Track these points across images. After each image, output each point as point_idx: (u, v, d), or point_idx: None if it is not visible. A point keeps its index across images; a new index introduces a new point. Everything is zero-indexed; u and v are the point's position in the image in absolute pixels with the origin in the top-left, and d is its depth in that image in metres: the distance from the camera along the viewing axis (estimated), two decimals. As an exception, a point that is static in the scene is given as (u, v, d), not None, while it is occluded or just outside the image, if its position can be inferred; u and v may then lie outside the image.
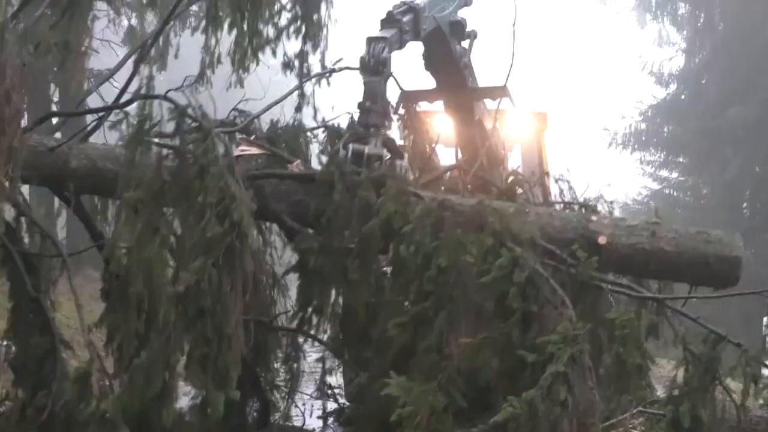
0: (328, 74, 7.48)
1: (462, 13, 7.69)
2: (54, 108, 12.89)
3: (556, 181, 7.11)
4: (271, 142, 6.48)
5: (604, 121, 22.32)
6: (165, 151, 5.26)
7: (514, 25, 7.41)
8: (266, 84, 8.38)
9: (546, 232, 5.32)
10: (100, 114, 6.30)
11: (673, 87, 21.62)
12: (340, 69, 7.23)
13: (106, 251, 5.25)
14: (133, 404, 4.60)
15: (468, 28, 7.77)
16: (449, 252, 4.87)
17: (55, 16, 7.23)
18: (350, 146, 5.95)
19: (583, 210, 6.54)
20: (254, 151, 6.18)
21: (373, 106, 6.14)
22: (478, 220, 5.06)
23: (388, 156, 6.00)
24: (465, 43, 7.83)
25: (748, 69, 19.13)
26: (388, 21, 6.44)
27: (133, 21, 12.36)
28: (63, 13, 7.16)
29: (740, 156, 19.69)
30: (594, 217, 5.98)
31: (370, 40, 6.24)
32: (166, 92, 5.51)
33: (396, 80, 6.96)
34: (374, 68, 6.13)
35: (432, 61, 7.38)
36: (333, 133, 6.63)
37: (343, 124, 6.87)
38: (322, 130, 6.91)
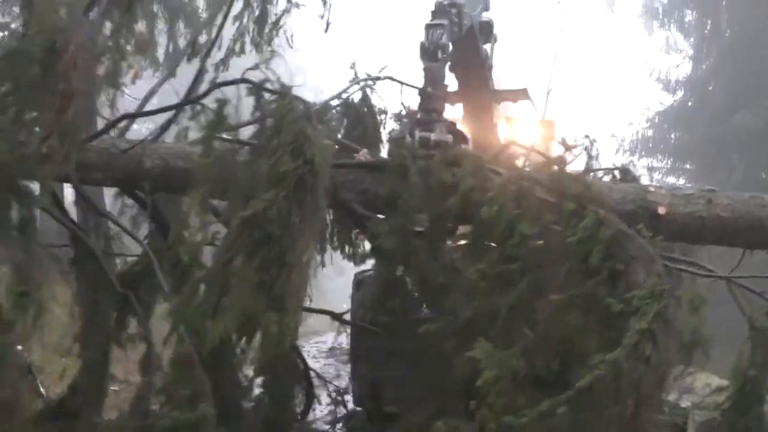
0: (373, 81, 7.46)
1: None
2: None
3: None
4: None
5: (612, 128, 22.42)
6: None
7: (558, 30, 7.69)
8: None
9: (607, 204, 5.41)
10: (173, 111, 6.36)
11: (680, 94, 21.77)
12: (385, 78, 7.28)
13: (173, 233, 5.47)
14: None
15: None
16: (532, 218, 5.04)
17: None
18: (416, 133, 6.09)
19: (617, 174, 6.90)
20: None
21: (435, 91, 6.28)
22: (558, 187, 5.21)
23: (452, 140, 6.18)
24: (487, 46, 8.00)
25: (754, 75, 19.27)
26: (439, 11, 6.59)
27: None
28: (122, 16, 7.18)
29: (745, 161, 19.81)
30: (651, 188, 6.18)
31: (428, 27, 6.38)
32: (242, 74, 5.67)
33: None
34: (434, 54, 6.26)
35: (459, 61, 7.45)
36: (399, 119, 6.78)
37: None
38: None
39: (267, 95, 5.51)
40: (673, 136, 21.69)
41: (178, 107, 6.19)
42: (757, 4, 19.15)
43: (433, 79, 6.30)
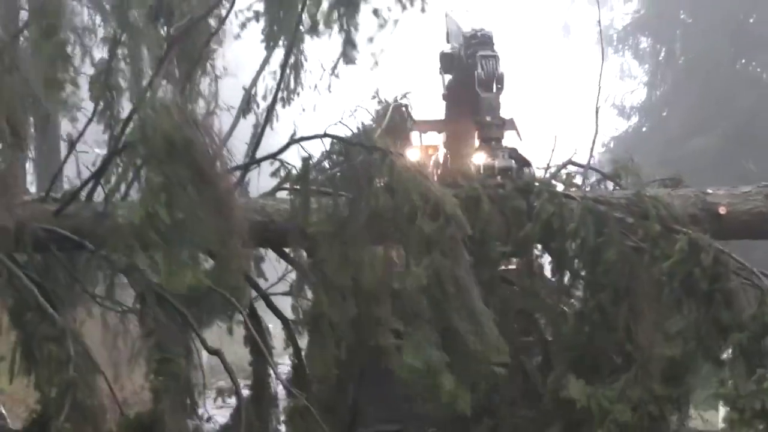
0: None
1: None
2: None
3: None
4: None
5: (568, 153, 22.62)
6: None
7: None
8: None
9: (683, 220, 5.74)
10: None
11: (635, 119, 22.17)
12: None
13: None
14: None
15: None
16: (616, 244, 5.19)
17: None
18: (480, 162, 6.26)
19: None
20: None
21: (493, 120, 6.48)
22: (639, 210, 5.43)
23: (516, 165, 6.33)
24: None
25: (708, 101, 19.70)
26: (483, 42, 6.83)
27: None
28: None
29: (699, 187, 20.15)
30: (710, 190, 6.40)
31: (481, 57, 6.59)
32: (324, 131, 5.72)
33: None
34: (490, 84, 6.51)
35: (459, 91, 7.68)
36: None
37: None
38: None
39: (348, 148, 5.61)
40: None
41: (254, 163, 6.25)
42: (710, 32, 19.62)
43: (491, 108, 6.52)
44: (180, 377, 5.04)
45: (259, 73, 7.65)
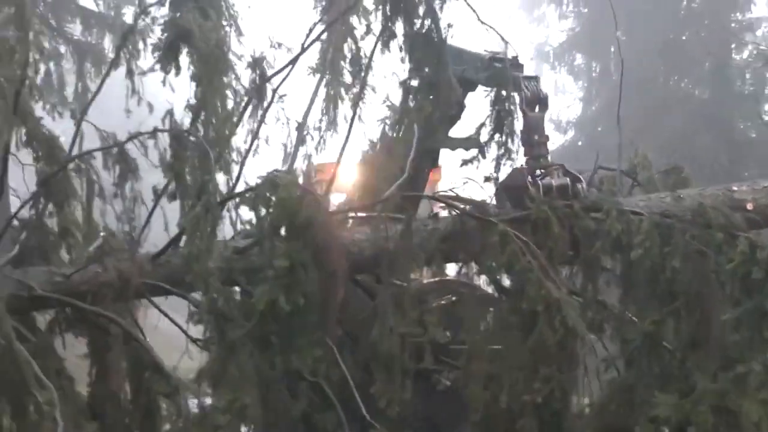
0: None
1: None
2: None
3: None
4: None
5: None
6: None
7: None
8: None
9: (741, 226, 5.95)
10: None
11: (570, 134, 22.72)
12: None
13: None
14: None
15: None
16: (684, 254, 5.51)
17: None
18: (540, 181, 6.26)
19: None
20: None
21: (541, 139, 6.59)
22: (702, 220, 5.72)
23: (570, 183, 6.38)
24: None
25: (641, 117, 20.24)
26: (517, 65, 6.93)
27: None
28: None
29: (636, 201, 20.74)
30: (734, 187, 6.57)
31: (524, 79, 6.73)
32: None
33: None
34: (535, 104, 6.63)
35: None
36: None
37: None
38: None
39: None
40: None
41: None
42: (643, 50, 20.19)
43: (538, 127, 6.64)
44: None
45: (310, 105, 7.61)
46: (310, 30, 7.09)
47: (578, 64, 22.93)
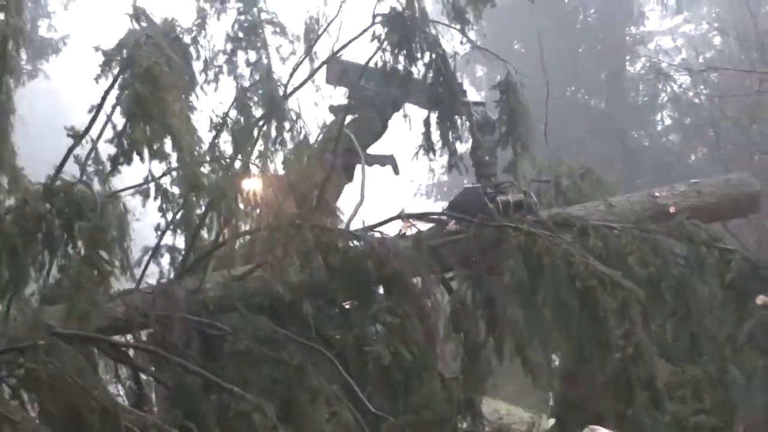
0: None
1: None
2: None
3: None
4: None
5: (410, 175, 23.46)
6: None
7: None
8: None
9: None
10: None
11: None
12: None
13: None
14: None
15: None
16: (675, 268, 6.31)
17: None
18: (498, 198, 6.75)
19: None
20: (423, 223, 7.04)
21: (491, 160, 7.50)
22: (682, 234, 6.54)
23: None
24: None
25: (539, 127, 20.83)
26: (460, 91, 7.97)
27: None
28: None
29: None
30: (656, 192, 7.29)
31: (474, 104, 7.77)
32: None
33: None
34: (487, 128, 7.66)
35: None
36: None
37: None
38: None
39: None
40: (466, 181, 22.78)
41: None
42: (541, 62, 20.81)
43: (489, 149, 7.60)
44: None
45: None
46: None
47: (479, 76, 23.46)
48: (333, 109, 8.77)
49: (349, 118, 8.37)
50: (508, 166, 8.08)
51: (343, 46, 8.26)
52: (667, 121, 23.94)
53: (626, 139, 22.39)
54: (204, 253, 7.21)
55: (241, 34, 8.75)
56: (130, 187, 7.02)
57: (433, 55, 7.80)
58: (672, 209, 6.90)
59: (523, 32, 21.67)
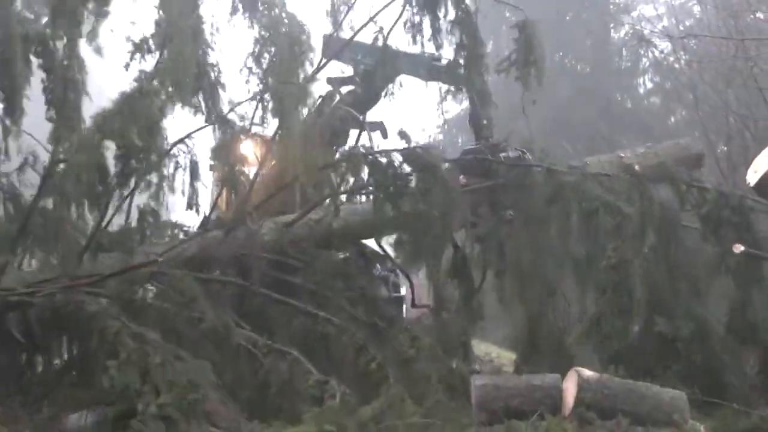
0: None
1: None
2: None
3: None
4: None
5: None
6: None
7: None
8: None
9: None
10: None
11: (466, 104, 23.82)
12: None
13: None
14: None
15: None
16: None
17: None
18: (502, 155, 7.96)
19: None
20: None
21: (490, 124, 8.69)
22: (665, 175, 7.54)
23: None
24: None
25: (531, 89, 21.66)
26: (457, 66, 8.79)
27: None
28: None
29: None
30: (621, 154, 8.63)
31: None
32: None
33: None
34: (487, 96, 8.84)
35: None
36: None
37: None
38: None
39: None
40: (459, 139, 24.00)
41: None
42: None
43: (488, 114, 8.83)
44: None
45: None
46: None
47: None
48: (330, 80, 9.69)
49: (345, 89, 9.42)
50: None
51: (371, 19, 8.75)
52: (649, 85, 24.68)
53: (610, 101, 23.16)
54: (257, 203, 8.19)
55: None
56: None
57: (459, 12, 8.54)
58: (637, 167, 7.92)
59: (514, 1, 22.35)
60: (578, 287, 7.46)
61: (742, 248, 6.96)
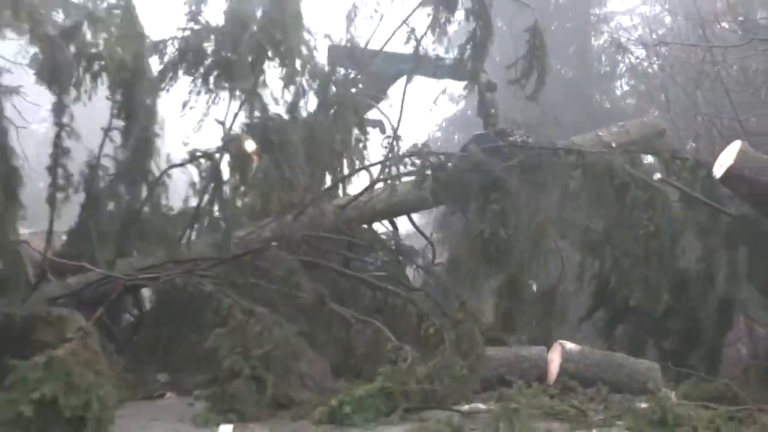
0: None
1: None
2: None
3: None
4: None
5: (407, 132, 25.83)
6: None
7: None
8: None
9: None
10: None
11: (462, 104, 25.77)
12: None
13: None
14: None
15: None
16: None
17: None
18: (510, 139, 8.62)
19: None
20: None
21: (495, 112, 9.38)
22: (652, 149, 8.76)
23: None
24: None
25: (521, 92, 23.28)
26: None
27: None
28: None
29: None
30: (600, 132, 9.71)
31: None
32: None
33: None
34: (493, 87, 9.54)
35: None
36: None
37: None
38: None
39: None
40: (456, 137, 25.41)
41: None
42: (519, 34, 23.22)
43: (495, 104, 9.51)
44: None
45: None
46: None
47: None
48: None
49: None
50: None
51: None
52: (625, 88, 26.02)
53: (591, 102, 24.43)
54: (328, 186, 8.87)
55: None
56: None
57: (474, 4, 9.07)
58: (613, 144, 9.07)
59: (503, 13, 23.71)
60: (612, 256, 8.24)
61: (659, 176, 7.97)
